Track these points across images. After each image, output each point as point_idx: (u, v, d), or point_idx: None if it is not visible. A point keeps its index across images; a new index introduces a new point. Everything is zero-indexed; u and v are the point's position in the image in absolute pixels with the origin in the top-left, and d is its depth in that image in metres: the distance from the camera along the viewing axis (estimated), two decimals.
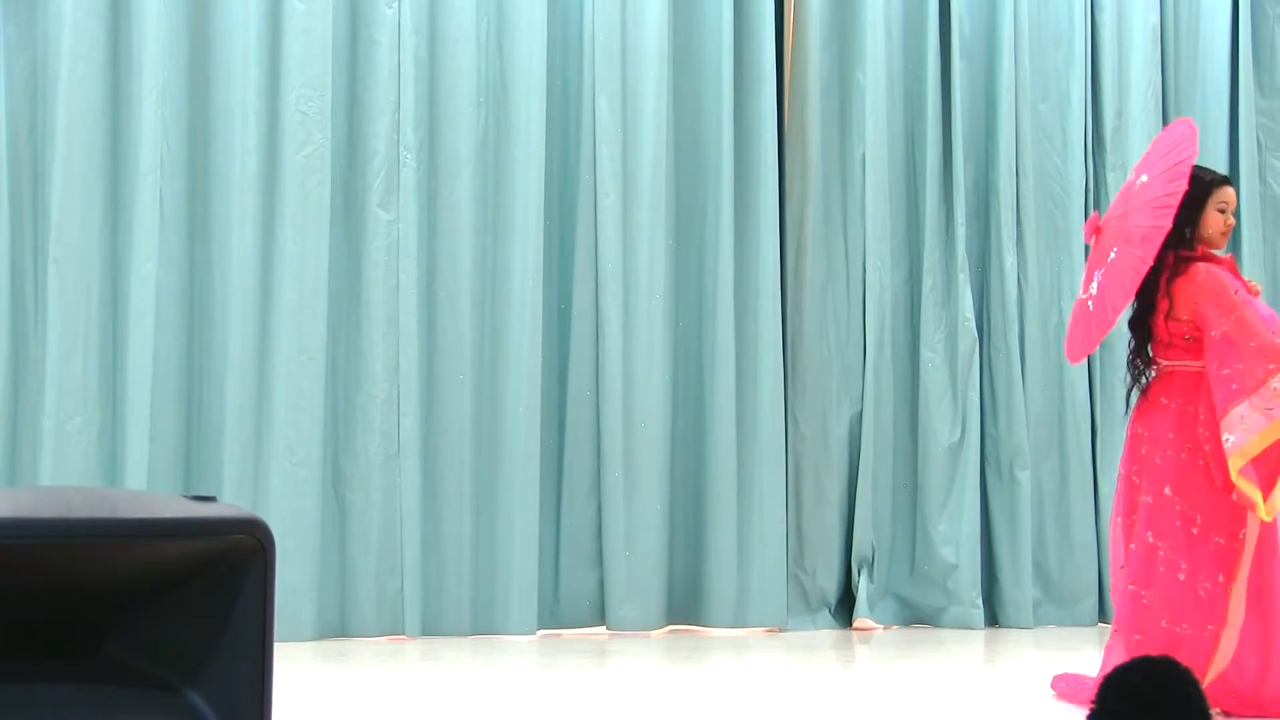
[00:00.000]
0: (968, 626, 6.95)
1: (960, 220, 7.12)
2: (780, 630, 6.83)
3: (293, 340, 6.37)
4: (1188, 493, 4.63)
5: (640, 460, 6.70)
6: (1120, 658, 4.62)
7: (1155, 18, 7.37)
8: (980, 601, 7.02)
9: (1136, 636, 4.68)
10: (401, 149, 6.53)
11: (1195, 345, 4.70)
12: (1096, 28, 7.35)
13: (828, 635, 6.83)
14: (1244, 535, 4.59)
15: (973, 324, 7.11)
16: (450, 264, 6.62)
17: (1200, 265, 4.70)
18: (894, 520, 7.11)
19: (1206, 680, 4.50)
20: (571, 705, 5.06)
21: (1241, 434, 4.50)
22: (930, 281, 7.13)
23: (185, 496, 2.03)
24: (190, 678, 1.97)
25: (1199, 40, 7.45)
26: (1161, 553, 4.67)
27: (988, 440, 7.15)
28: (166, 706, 1.94)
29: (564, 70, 6.86)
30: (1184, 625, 4.61)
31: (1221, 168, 7.35)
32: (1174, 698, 2.78)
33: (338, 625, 6.42)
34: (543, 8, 6.69)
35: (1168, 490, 4.66)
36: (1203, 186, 4.76)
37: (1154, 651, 4.57)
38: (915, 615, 7.11)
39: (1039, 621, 7.03)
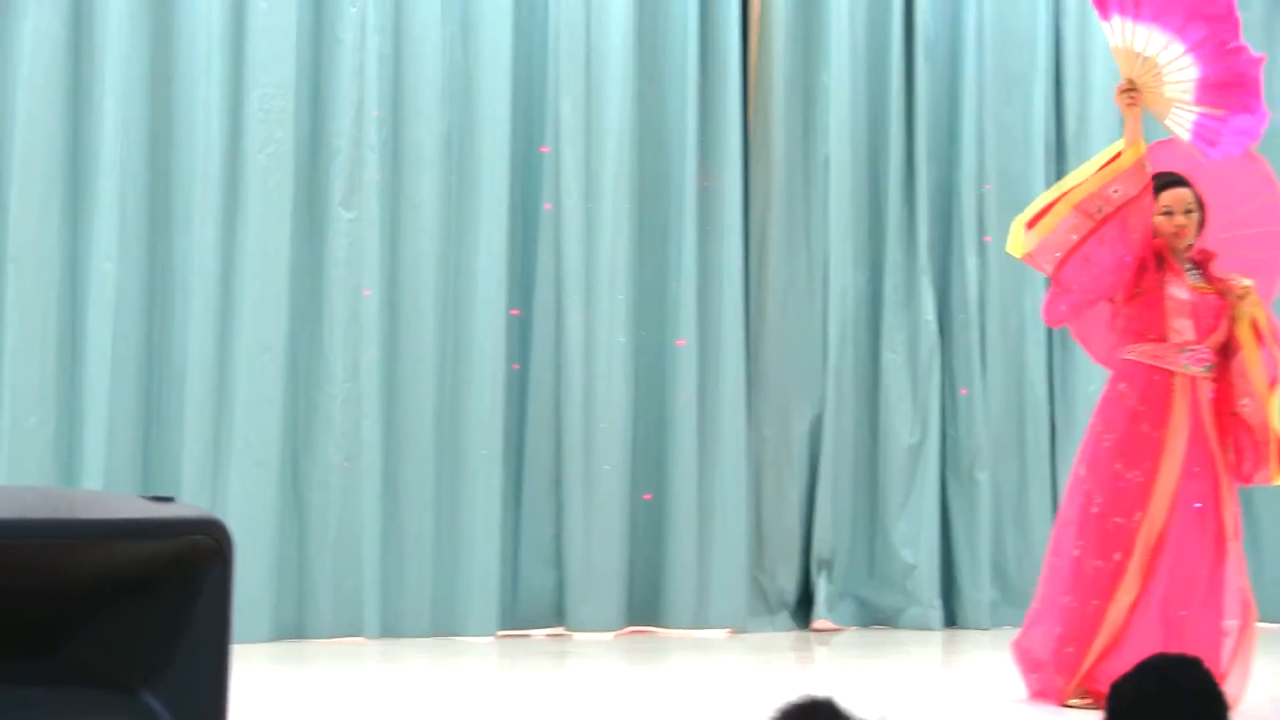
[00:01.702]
0: (926, 627, 6.97)
1: (922, 222, 7.15)
2: (740, 631, 6.83)
3: (253, 339, 6.34)
4: (1093, 471, 4.81)
5: (601, 461, 6.69)
6: (1030, 621, 4.86)
7: None
8: (939, 602, 7.05)
9: (1042, 603, 4.89)
10: (365, 148, 6.51)
11: (1126, 330, 4.88)
12: (1059, 31, 7.39)
13: (787, 636, 6.84)
14: (1140, 517, 4.67)
15: (934, 325, 7.13)
16: (413, 264, 6.60)
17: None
18: (853, 521, 7.13)
19: (1087, 658, 4.62)
20: (531, 707, 5.06)
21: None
22: (892, 283, 7.15)
23: (143, 497, 2.02)
24: (147, 679, 1.95)
25: None
26: (1067, 528, 4.86)
27: (948, 441, 7.17)
28: (123, 708, 1.93)
29: (528, 70, 6.85)
30: (1069, 597, 4.75)
31: None
32: (1189, 704, 2.77)
33: (296, 627, 6.39)
34: (508, 8, 6.68)
35: (1082, 470, 4.86)
36: (1155, 187, 4.95)
37: (1045, 618, 4.72)
38: (874, 616, 7.12)
39: (997, 622, 7.05)
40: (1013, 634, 6.85)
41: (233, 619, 2.03)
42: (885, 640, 6.74)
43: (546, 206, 6.76)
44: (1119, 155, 4.93)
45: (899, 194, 7.16)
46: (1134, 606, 4.67)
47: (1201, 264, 4.94)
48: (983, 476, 7.11)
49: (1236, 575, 4.77)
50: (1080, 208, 4.83)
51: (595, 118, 6.79)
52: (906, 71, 7.20)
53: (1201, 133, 4.91)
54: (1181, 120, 4.93)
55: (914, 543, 7.04)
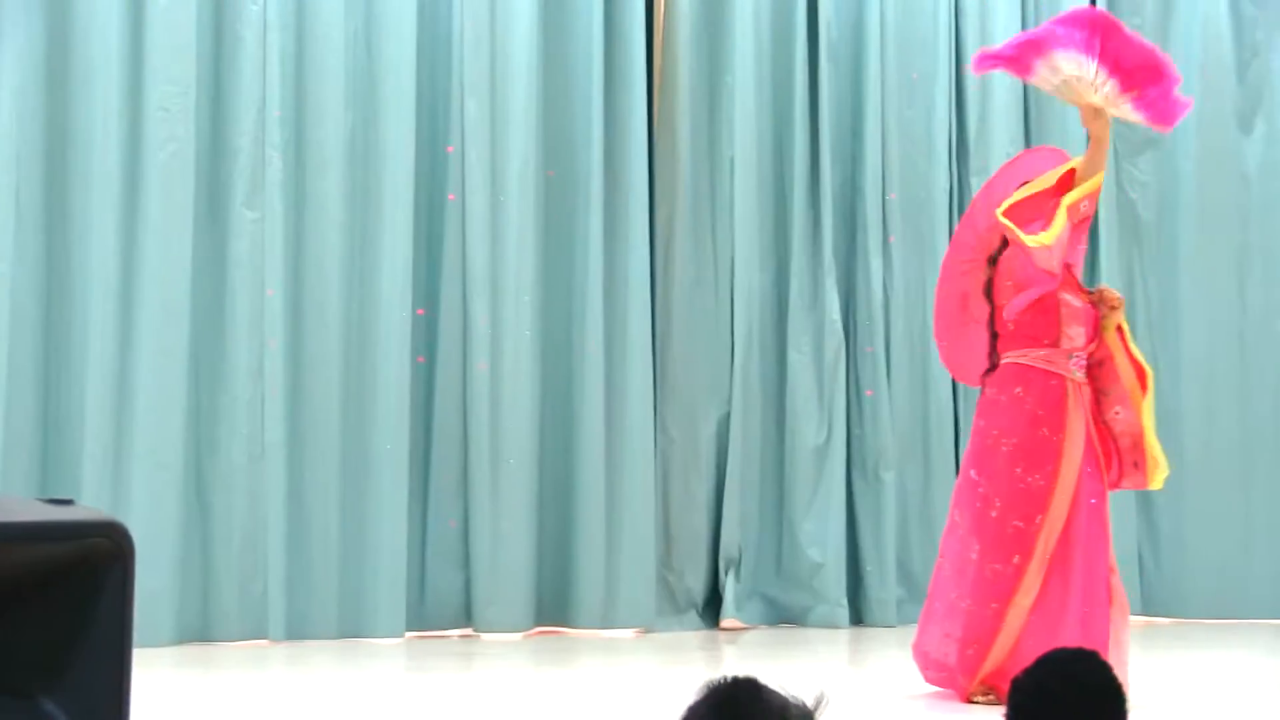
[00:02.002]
0: (833, 625, 7.01)
1: (827, 223, 7.19)
2: (648, 631, 6.84)
3: (154, 340, 6.25)
4: (990, 475, 4.82)
5: (508, 461, 6.67)
6: (925, 623, 4.85)
7: (1017, 25, 7.50)
8: (845, 600, 7.09)
9: (937, 605, 4.91)
10: (268, 147, 6.45)
11: (1017, 335, 4.90)
12: (960, 34, 7.46)
13: (695, 636, 6.85)
14: (1041, 520, 4.73)
15: (839, 326, 7.18)
16: (317, 264, 6.55)
17: (1002, 255, 4.96)
18: (761, 521, 7.16)
19: (988, 660, 4.67)
20: (438, 709, 5.03)
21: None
22: (797, 283, 7.19)
23: (41, 500, 1.98)
24: (45, 685, 1.92)
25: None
26: (960, 531, 4.87)
27: (854, 441, 7.22)
28: (21, 714, 1.90)
29: (432, 69, 6.82)
30: (968, 601, 4.78)
31: None
32: (1090, 697, 2.80)
33: (200, 629, 6.31)
34: (412, 7, 6.64)
35: (973, 473, 4.88)
36: None
37: (942, 620, 4.76)
38: (781, 615, 7.16)
39: (902, 620, 7.09)
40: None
41: (134, 622, 2.00)
42: (792, 639, 6.77)
43: (450, 197, 6.72)
44: (1074, 170, 4.96)
45: (804, 195, 7.20)
46: (1034, 608, 4.72)
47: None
48: (888, 476, 7.17)
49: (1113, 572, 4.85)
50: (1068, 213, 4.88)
51: (500, 117, 6.77)
52: (810, 73, 7.24)
53: (1146, 110, 5.01)
54: (1125, 112, 5.03)
55: (821, 542, 7.08)
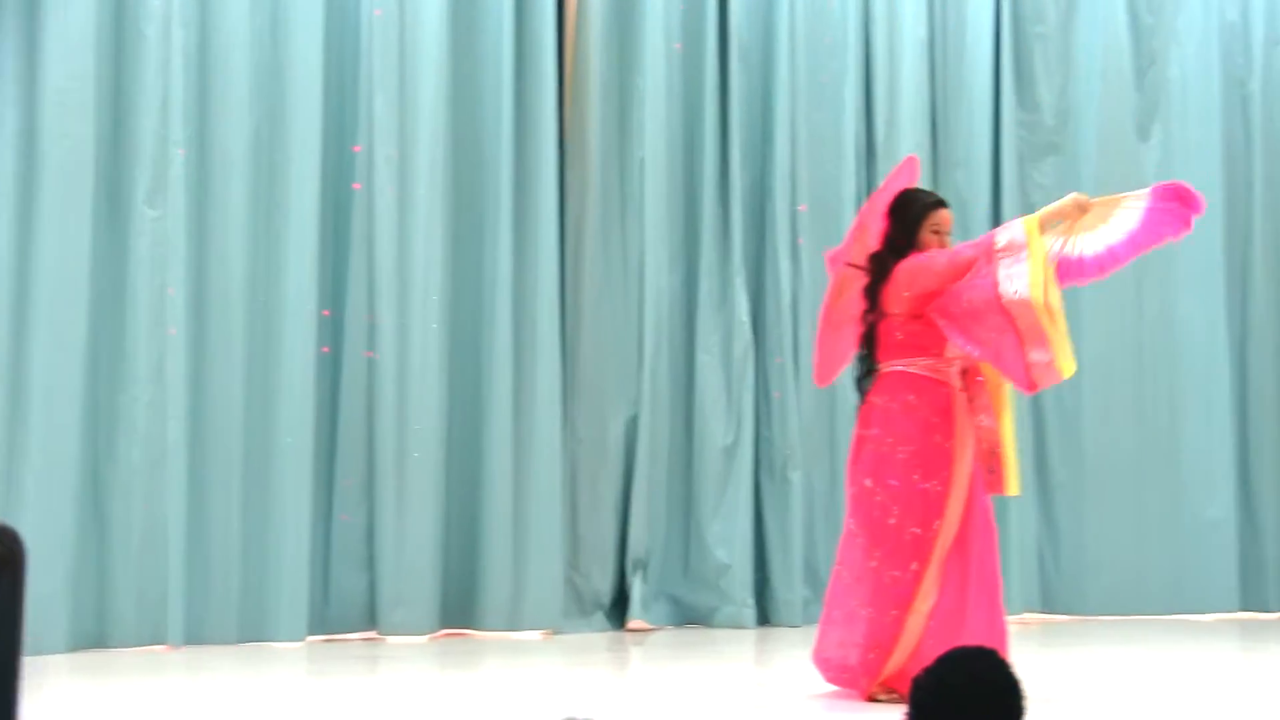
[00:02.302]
0: (739, 626, 7.04)
1: (737, 224, 7.21)
2: (555, 633, 6.83)
3: (50, 340, 6.15)
4: (886, 484, 4.85)
5: (414, 463, 6.63)
6: (824, 630, 4.92)
7: (924, 31, 7.57)
8: (752, 601, 7.12)
9: (835, 613, 4.93)
10: (170, 145, 6.37)
11: (906, 344, 4.91)
12: (869, 38, 7.52)
13: (602, 637, 6.85)
14: (938, 525, 4.78)
15: (748, 327, 7.20)
16: (221, 263, 6.47)
17: (899, 265, 4.94)
18: (668, 522, 7.17)
19: (889, 663, 4.71)
20: (341, 714, 4.98)
21: (1020, 278, 4.71)
22: (707, 284, 7.21)
23: None
24: None
25: (964, 54, 7.67)
26: (859, 539, 4.88)
27: (761, 442, 7.25)
28: None
29: (340, 67, 6.76)
30: (869, 609, 4.81)
31: (985, 179, 7.60)
32: (989, 693, 2.82)
33: (96, 635, 6.22)
34: (319, 3, 6.58)
35: (868, 482, 4.88)
36: (919, 209, 4.98)
37: (841, 626, 4.80)
38: (688, 615, 7.17)
39: (808, 620, 7.12)
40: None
41: (25, 628, 1.97)
42: (699, 639, 6.79)
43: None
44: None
45: (714, 196, 7.22)
46: (932, 613, 4.76)
47: None
48: (795, 477, 7.20)
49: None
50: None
51: (409, 116, 6.73)
52: (721, 75, 7.27)
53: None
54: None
55: (728, 542, 7.10)
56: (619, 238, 7.15)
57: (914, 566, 4.77)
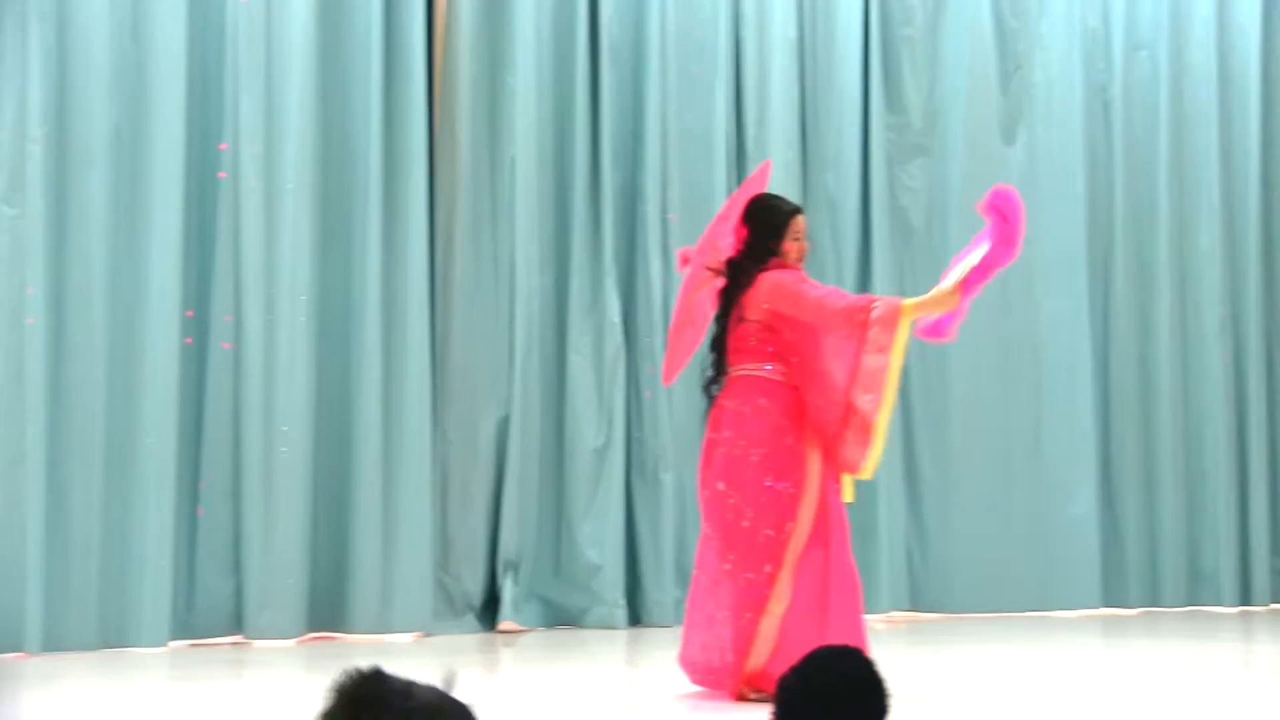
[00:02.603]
0: (611, 626, 7.04)
1: (608, 224, 7.21)
2: (425, 635, 6.78)
3: None
4: (739, 487, 4.87)
5: (281, 464, 6.55)
6: (687, 634, 4.96)
7: (794, 31, 7.62)
8: (623, 601, 7.12)
9: (696, 616, 4.96)
10: (28, 142, 6.23)
11: (759, 349, 4.93)
12: (739, 39, 7.56)
13: (473, 639, 6.81)
14: (790, 528, 4.81)
15: (619, 328, 7.20)
16: (82, 262, 6.35)
17: (764, 274, 4.94)
18: (540, 523, 7.15)
19: (748, 664, 4.75)
20: None
21: (874, 387, 4.74)
22: (578, 284, 7.20)
23: None
24: None
25: (834, 55, 7.74)
26: (714, 543, 4.91)
27: (633, 443, 7.25)
28: None
29: (205, 64, 6.66)
30: (724, 612, 4.84)
31: (854, 181, 7.67)
32: (853, 690, 2.84)
33: None
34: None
35: (721, 485, 4.91)
36: (781, 217, 4.99)
37: (702, 630, 4.83)
38: (560, 616, 7.16)
39: (680, 620, 7.10)
40: None
41: None
42: (571, 640, 6.78)
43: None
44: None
45: (585, 195, 7.22)
46: (787, 614, 4.79)
47: None
48: (667, 478, 7.22)
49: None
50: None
51: (276, 114, 6.64)
52: (592, 74, 7.26)
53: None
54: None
55: (599, 543, 7.10)
56: (489, 237, 7.11)
57: (768, 569, 4.80)
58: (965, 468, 7.84)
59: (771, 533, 4.79)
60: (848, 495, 4.98)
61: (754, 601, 4.79)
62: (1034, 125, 8.01)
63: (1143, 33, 8.20)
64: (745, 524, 4.81)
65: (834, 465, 4.90)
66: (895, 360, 4.79)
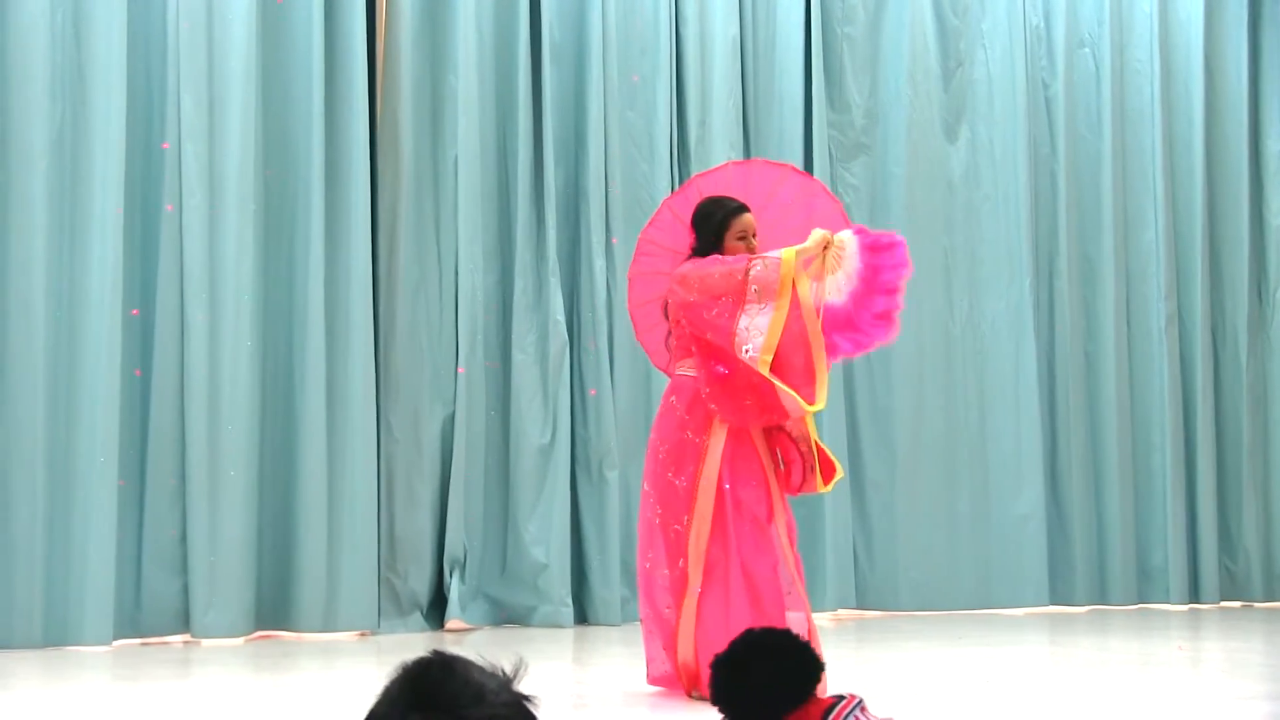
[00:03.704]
0: (557, 625, 7.05)
1: (551, 223, 7.22)
2: (371, 634, 6.77)
3: None
4: (653, 484, 4.93)
5: (226, 464, 6.53)
6: (647, 651, 4.97)
7: (735, 30, 7.65)
8: (570, 600, 7.13)
9: (644, 626, 4.99)
10: None
11: (682, 348, 4.96)
12: (681, 39, 7.58)
13: (420, 638, 6.81)
14: (688, 520, 4.83)
15: (564, 326, 7.22)
16: (22, 264, 6.32)
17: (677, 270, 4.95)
18: (485, 521, 7.15)
19: (678, 659, 4.78)
20: None
21: (755, 337, 4.72)
22: (522, 284, 7.21)
23: None
24: None
25: (775, 54, 7.77)
26: (640, 542, 4.98)
27: (578, 441, 7.26)
28: None
29: (146, 64, 6.64)
30: (650, 609, 4.91)
31: None
32: (781, 659, 2.87)
33: None
34: (122, 1, 6.45)
35: (645, 484, 4.97)
36: (721, 217, 4.97)
37: (648, 641, 4.86)
38: (506, 615, 7.16)
39: (627, 618, 7.18)
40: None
41: None
42: (517, 639, 6.77)
43: (169, 208, 6.55)
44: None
45: (527, 195, 7.23)
46: (698, 609, 4.80)
47: None
48: (612, 475, 7.23)
49: (793, 580, 4.88)
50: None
51: (218, 115, 6.63)
52: (534, 74, 7.27)
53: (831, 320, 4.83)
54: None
55: (545, 541, 7.11)
56: (432, 237, 7.11)
57: (681, 564, 4.82)
58: (910, 466, 7.88)
59: (679, 528, 4.82)
60: (821, 486, 4.93)
61: (674, 597, 4.83)
62: (976, 123, 8.07)
63: (1085, 30, 8.26)
64: (657, 520, 4.87)
65: (778, 441, 4.87)
66: (781, 313, 4.73)
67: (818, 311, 4.77)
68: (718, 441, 4.86)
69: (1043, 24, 8.21)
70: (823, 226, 4.92)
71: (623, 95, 7.44)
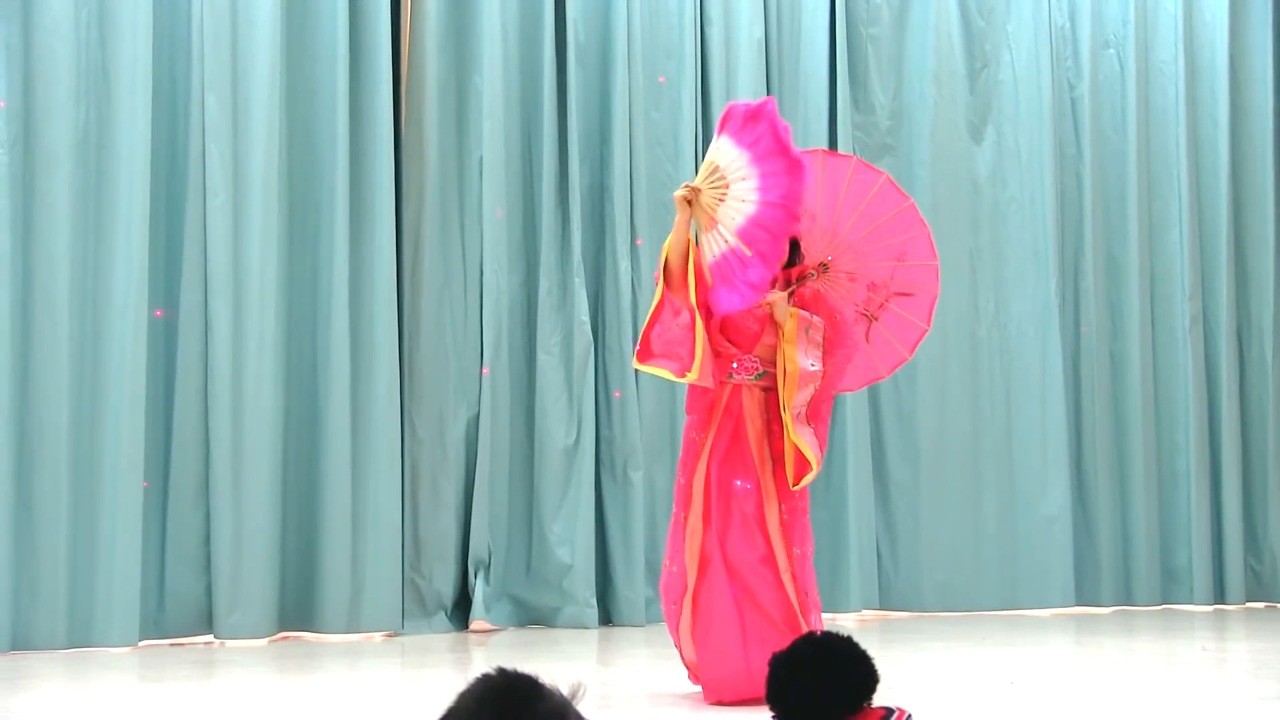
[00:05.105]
0: (582, 626, 7.05)
1: (576, 224, 7.22)
2: (396, 634, 6.77)
3: None
4: (676, 483, 4.99)
5: (251, 465, 6.54)
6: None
7: (760, 32, 7.64)
8: (594, 601, 7.13)
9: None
10: None
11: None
12: (706, 40, 7.57)
13: (444, 638, 6.81)
14: (683, 517, 4.88)
15: (588, 326, 7.21)
16: (47, 264, 6.34)
17: None
18: (510, 522, 7.15)
19: (685, 658, 4.78)
20: None
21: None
22: (547, 284, 7.21)
23: None
24: None
25: (800, 56, 7.76)
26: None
27: (602, 442, 7.26)
28: None
29: (171, 65, 6.65)
30: (670, 605, 4.92)
31: None
32: (839, 663, 2.87)
33: None
34: (147, 1, 6.46)
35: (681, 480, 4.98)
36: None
37: (669, 624, 4.88)
38: (531, 616, 7.16)
39: (651, 619, 7.17)
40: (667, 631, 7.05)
41: None
42: (542, 639, 6.78)
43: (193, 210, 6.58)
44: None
45: (552, 196, 7.23)
46: (693, 604, 4.81)
47: None
48: (636, 476, 7.23)
49: (799, 579, 4.85)
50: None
51: (242, 115, 6.64)
52: (558, 75, 7.27)
53: (722, 267, 4.80)
54: (715, 243, 4.83)
55: (570, 542, 7.11)
56: (457, 238, 7.12)
57: (685, 558, 4.86)
58: (935, 466, 7.86)
59: (685, 520, 4.88)
60: (793, 483, 4.91)
61: (678, 592, 4.84)
62: (1001, 124, 8.05)
63: (1110, 31, 8.24)
64: (673, 517, 4.92)
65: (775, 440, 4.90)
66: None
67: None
68: (710, 439, 4.88)
69: (1068, 25, 8.19)
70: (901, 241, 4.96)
71: (648, 96, 7.44)
